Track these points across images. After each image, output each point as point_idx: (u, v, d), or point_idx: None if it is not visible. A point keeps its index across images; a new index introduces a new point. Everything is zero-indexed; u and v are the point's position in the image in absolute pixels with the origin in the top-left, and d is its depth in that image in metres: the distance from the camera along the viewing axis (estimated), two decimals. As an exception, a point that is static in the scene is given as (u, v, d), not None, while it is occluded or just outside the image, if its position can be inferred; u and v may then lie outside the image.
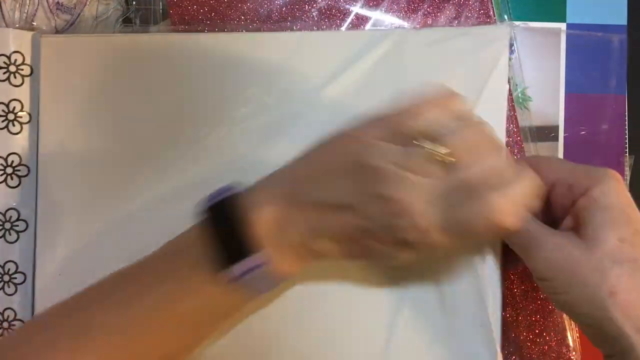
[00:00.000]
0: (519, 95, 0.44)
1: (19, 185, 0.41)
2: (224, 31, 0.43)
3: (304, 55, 0.41)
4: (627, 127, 0.44)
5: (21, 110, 0.42)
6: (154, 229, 0.40)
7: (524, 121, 0.44)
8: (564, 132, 0.44)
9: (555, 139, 0.44)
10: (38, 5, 0.41)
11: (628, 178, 0.44)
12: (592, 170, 0.33)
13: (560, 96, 0.44)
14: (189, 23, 0.43)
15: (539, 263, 0.32)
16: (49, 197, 0.41)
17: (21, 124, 0.42)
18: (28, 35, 0.42)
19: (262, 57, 0.40)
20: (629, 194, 0.33)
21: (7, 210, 0.42)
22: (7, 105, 0.41)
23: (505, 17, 0.44)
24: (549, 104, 0.44)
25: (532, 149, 0.44)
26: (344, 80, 0.40)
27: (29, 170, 0.42)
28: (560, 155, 0.44)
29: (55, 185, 0.41)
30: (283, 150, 0.36)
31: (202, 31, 0.43)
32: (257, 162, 0.40)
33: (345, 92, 0.40)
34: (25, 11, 0.40)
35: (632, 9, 0.44)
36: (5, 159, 0.41)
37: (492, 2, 0.43)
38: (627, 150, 0.44)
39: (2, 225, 0.41)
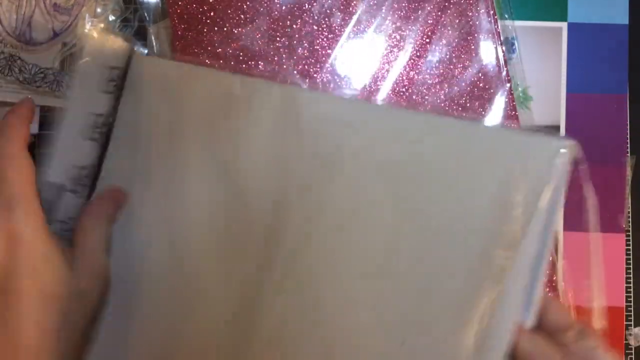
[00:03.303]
0: (520, 94, 0.44)
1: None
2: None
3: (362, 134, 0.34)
4: (628, 127, 0.44)
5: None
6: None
7: (525, 121, 0.44)
8: (565, 132, 0.44)
9: (557, 138, 0.44)
10: (35, 6, 0.40)
11: (629, 178, 0.44)
12: None
13: (562, 96, 0.44)
14: (188, 22, 0.42)
15: None
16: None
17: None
18: (126, 48, 0.39)
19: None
20: None
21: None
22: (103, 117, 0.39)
23: (506, 16, 0.44)
24: (551, 103, 0.44)
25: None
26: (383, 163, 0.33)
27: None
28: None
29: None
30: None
31: (206, 35, 0.42)
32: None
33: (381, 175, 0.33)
34: (22, 13, 0.40)
35: (633, 8, 0.44)
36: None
37: (493, 2, 0.43)
38: (629, 150, 0.44)
39: None
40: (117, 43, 0.38)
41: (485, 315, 0.30)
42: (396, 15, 0.43)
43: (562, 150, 0.29)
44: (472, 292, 0.30)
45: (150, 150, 0.37)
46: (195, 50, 0.43)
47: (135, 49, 0.39)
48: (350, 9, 0.43)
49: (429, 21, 0.43)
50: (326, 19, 0.43)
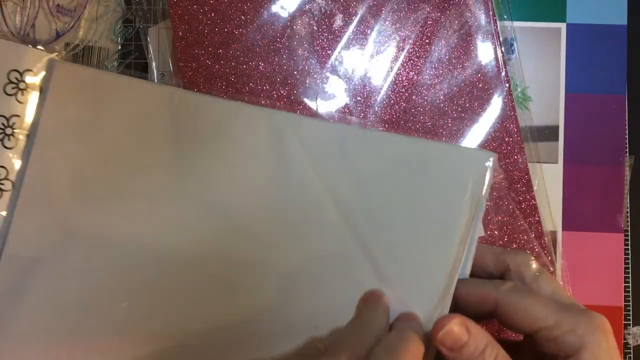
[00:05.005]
0: (519, 95, 0.44)
1: None
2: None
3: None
4: (627, 127, 0.44)
5: (20, 128, 0.42)
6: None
7: (524, 121, 0.44)
8: (564, 132, 0.44)
9: (556, 138, 0.44)
10: (38, 8, 0.41)
11: (628, 178, 0.44)
12: (580, 320, 0.32)
13: (561, 96, 0.44)
14: (188, 23, 0.43)
15: None
16: (27, 218, 0.40)
17: (17, 140, 0.42)
18: (45, 56, 0.42)
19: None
20: (616, 346, 0.32)
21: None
22: (8, 120, 0.42)
23: (505, 16, 0.44)
24: (549, 103, 0.44)
25: (533, 149, 0.44)
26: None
27: (12, 187, 0.42)
28: (561, 155, 0.44)
29: (36, 206, 0.40)
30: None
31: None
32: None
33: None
34: (26, 14, 0.40)
35: (632, 8, 0.44)
36: None
37: (492, 3, 0.43)
38: (627, 150, 0.44)
39: None
40: (21, 49, 0.41)
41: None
42: (396, 16, 0.43)
43: (488, 163, 0.37)
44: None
45: (77, 156, 0.40)
46: (196, 51, 0.43)
47: (56, 58, 0.42)
48: (351, 9, 0.43)
49: (429, 22, 0.43)
50: (326, 20, 0.43)
